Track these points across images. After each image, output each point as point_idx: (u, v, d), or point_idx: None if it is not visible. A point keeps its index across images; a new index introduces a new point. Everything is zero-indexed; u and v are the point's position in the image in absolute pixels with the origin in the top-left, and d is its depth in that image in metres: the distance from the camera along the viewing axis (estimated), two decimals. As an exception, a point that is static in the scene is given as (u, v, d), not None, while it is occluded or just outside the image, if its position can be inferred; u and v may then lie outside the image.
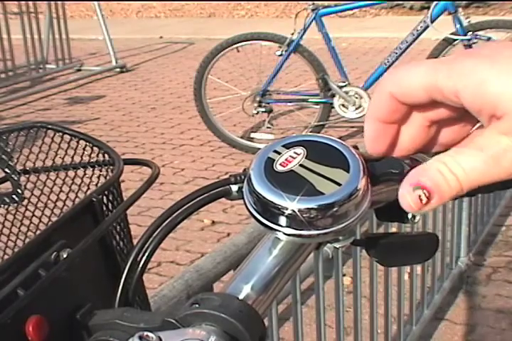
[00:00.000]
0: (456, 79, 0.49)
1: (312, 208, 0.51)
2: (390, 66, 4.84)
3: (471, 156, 0.48)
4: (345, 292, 2.16)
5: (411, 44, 4.80)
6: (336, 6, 5.03)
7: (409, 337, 2.57)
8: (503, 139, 0.48)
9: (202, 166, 4.92)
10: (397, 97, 0.52)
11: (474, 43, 4.56)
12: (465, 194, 0.64)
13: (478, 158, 0.48)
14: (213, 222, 3.96)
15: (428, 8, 4.80)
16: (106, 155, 0.69)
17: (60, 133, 0.68)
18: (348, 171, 0.52)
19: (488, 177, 0.48)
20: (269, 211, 0.52)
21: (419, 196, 0.49)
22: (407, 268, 2.62)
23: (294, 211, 0.51)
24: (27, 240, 0.68)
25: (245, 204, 0.54)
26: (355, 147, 0.55)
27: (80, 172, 0.69)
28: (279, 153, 0.54)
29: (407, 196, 0.49)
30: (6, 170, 0.67)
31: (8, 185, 0.68)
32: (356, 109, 4.89)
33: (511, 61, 0.48)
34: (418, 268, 2.68)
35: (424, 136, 0.56)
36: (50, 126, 0.68)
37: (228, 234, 3.77)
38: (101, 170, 0.69)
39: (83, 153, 0.69)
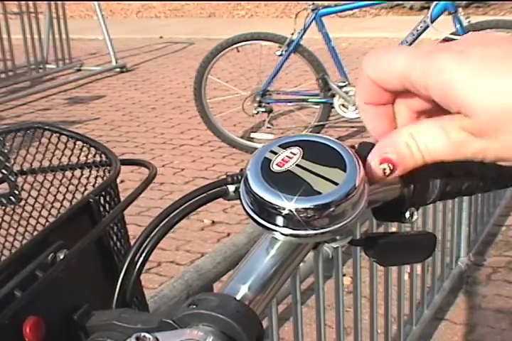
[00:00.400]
0: (427, 75, 0.49)
1: (309, 208, 0.51)
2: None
3: (437, 137, 0.52)
4: (345, 292, 2.15)
5: (411, 44, 4.79)
6: (336, 6, 5.03)
7: (409, 337, 2.57)
8: (465, 134, 0.50)
9: (202, 166, 4.92)
10: (374, 81, 0.53)
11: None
12: (464, 193, 0.65)
13: (443, 141, 0.51)
14: (213, 222, 3.96)
15: (428, 8, 4.80)
16: (103, 156, 0.68)
17: (57, 134, 0.68)
18: (344, 170, 0.52)
19: (448, 157, 0.52)
20: (266, 211, 0.52)
21: (384, 169, 0.53)
22: (407, 268, 2.62)
23: (291, 211, 0.51)
24: (24, 241, 0.67)
25: (242, 204, 0.54)
26: (352, 146, 0.55)
27: (77, 172, 0.69)
28: (275, 153, 0.54)
29: (374, 168, 0.54)
30: (3, 170, 0.67)
31: (5, 185, 0.68)
32: (356, 108, 4.88)
33: (481, 59, 0.48)
34: (418, 268, 2.68)
35: None
36: (47, 127, 0.68)
37: (228, 234, 3.77)
38: (98, 171, 0.69)
39: (80, 153, 0.68)
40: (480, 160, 0.52)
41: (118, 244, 0.67)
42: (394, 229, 2.53)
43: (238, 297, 0.55)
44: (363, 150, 0.56)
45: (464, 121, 0.50)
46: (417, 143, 0.52)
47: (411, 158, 0.53)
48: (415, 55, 0.51)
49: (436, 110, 0.54)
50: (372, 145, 0.56)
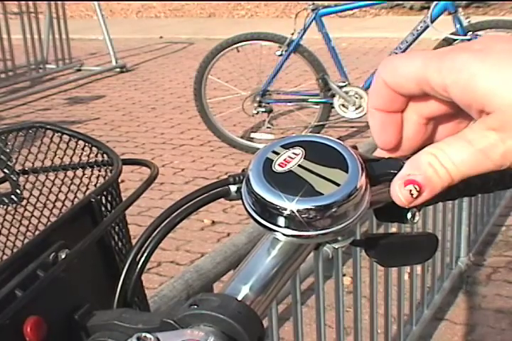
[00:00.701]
0: (446, 74, 0.48)
1: (311, 209, 0.51)
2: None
3: (461, 149, 0.49)
4: (345, 292, 2.15)
5: (411, 44, 4.80)
6: (336, 6, 5.03)
7: (409, 337, 2.57)
8: (491, 134, 0.48)
9: (202, 166, 4.92)
10: (389, 86, 0.52)
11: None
12: (464, 194, 0.64)
13: (467, 151, 0.49)
14: (213, 222, 3.96)
15: (428, 8, 4.80)
16: (105, 156, 0.68)
17: (59, 134, 0.68)
18: (346, 171, 0.52)
19: (478, 169, 0.49)
20: (267, 211, 0.52)
21: (410, 191, 0.50)
22: (407, 268, 2.62)
23: (292, 211, 0.51)
24: (26, 240, 0.67)
25: (244, 204, 0.54)
26: (354, 147, 0.55)
27: (79, 172, 0.69)
28: (277, 154, 0.53)
29: (398, 191, 0.51)
30: (5, 170, 0.67)
31: (6, 185, 0.68)
32: (356, 109, 4.89)
33: (502, 56, 0.47)
34: (418, 268, 2.68)
35: (422, 135, 0.56)
36: (48, 126, 0.68)
37: (228, 234, 3.77)
38: (100, 171, 0.69)
39: (82, 153, 0.68)
40: (510, 164, 0.49)
41: (119, 243, 0.67)
42: (394, 230, 2.53)
43: (239, 297, 0.55)
44: (383, 166, 0.55)
45: (487, 121, 0.48)
46: (439, 160, 0.49)
47: (436, 177, 0.50)
48: (432, 57, 0.50)
49: (448, 116, 0.53)
50: (394, 161, 0.55)
